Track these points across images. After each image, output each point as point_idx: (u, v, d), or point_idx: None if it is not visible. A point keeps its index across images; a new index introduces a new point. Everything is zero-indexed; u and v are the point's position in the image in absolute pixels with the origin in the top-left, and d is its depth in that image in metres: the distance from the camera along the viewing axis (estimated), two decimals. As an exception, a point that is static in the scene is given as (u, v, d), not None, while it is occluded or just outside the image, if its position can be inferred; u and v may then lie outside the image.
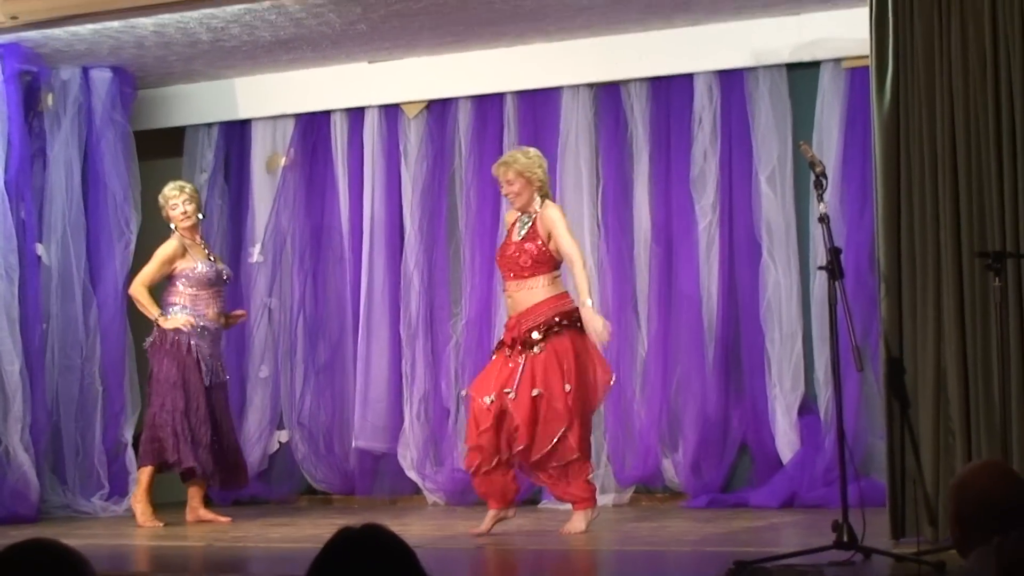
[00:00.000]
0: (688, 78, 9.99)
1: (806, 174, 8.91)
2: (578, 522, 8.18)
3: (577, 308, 8.20)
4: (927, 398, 7.04)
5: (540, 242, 8.22)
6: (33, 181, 10.19)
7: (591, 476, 8.33)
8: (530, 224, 8.30)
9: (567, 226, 8.28)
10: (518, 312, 8.24)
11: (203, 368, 9.49)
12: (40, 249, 10.18)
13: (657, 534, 8.33)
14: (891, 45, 7.16)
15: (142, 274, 9.60)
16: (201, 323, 9.53)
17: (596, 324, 8.14)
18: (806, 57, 9.69)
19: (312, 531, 8.82)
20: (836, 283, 6.70)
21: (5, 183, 9.84)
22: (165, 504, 10.11)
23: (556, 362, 8.09)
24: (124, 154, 10.48)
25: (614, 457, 9.91)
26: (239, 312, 10.07)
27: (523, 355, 8.14)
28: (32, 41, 9.82)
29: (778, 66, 9.79)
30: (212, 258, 9.72)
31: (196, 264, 9.56)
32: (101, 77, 10.44)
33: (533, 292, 8.21)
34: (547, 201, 8.36)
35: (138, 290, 9.56)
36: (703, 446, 9.72)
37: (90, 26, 9.50)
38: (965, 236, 6.99)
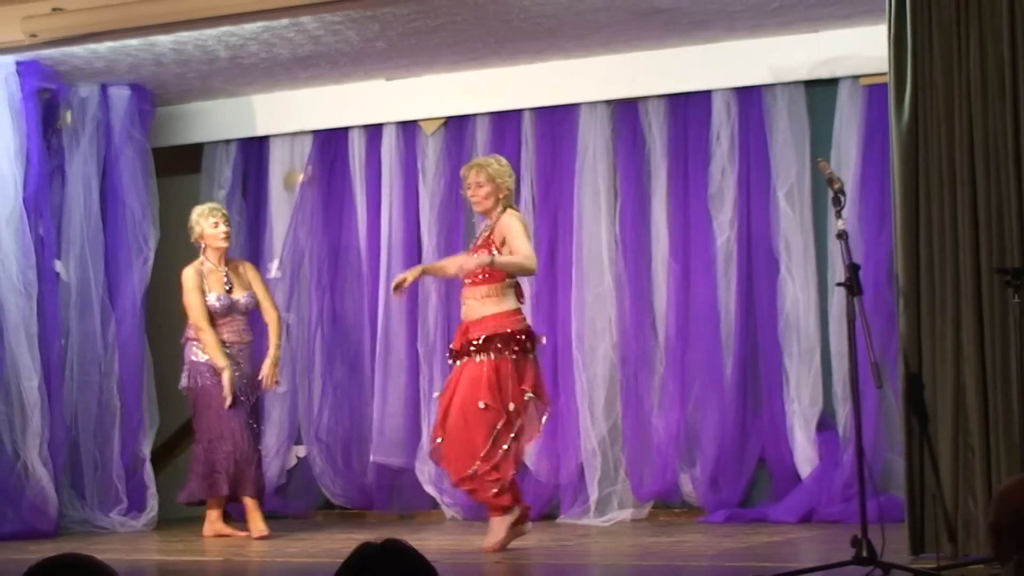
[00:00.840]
0: (706, 95, 9.99)
1: (824, 191, 8.92)
2: (495, 531, 8.21)
3: (527, 328, 8.29)
4: (946, 414, 7.03)
5: (492, 250, 8.24)
6: (51, 198, 10.21)
7: (496, 491, 8.19)
8: (488, 232, 8.36)
9: (523, 232, 8.28)
10: (468, 320, 8.30)
11: (229, 392, 9.47)
12: (58, 265, 10.20)
13: (675, 549, 8.33)
14: (909, 62, 7.16)
15: (193, 316, 9.51)
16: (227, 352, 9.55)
17: (462, 261, 8.35)
18: (824, 74, 9.69)
19: (330, 546, 8.84)
20: (854, 299, 6.71)
21: (24, 200, 9.87)
22: (183, 518, 10.15)
23: (485, 375, 8.12)
24: (142, 171, 10.50)
25: (632, 472, 9.90)
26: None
27: (466, 359, 8.22)
28: (51, 59, 9.86)
29: (796, 83, 9.79)
30: (229, 288, 9.68)
31: (204, 297, 9.54)
32: (119, 94, 10.47)
33: (483, 304, 8.24)
34: (509, 210, 8.38)
35: (204, 333, 9.45)
36: (721, 461, 9.72)
37: (109, 43, 9.52)
38: (984, 252, 6.98)
